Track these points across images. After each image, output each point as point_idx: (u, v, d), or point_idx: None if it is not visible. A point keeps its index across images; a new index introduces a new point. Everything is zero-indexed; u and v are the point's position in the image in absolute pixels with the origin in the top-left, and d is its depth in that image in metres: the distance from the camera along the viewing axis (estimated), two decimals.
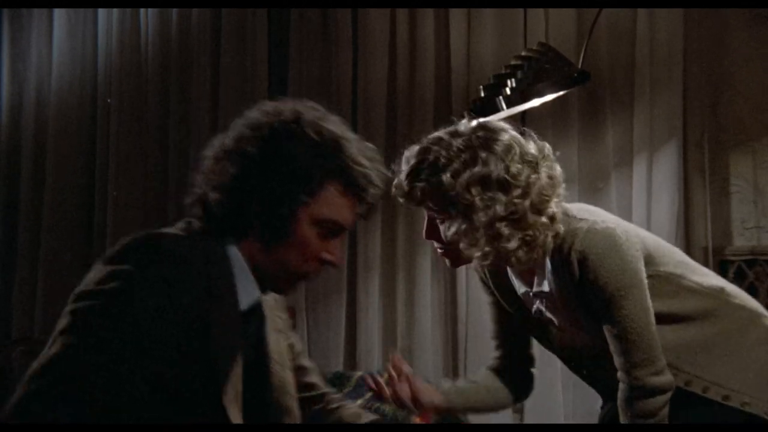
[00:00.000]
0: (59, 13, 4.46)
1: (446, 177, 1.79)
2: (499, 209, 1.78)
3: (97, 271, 1.42)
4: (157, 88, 4.27)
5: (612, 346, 1.86)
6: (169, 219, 4.19)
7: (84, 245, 4.36)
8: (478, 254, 1.81)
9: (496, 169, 1.79)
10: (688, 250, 3.36)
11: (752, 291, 3.34)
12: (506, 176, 1.79)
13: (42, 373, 1.35)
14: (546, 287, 1.92)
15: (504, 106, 2.54)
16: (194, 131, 4.19)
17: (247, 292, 1.53)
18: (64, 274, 4.26)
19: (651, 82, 3.61)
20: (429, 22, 3.91)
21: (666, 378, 1.84)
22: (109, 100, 4.32)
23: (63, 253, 4.30)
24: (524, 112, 3.13)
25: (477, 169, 1.78)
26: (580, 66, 2.69)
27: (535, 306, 1.98)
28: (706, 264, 3.33)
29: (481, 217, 1.78)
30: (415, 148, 1.87)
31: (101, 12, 4.39)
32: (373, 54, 3.97)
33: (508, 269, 2.00)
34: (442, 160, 1.80)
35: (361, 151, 1.56)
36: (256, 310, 1.58)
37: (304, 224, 1.52)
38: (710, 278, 1.99)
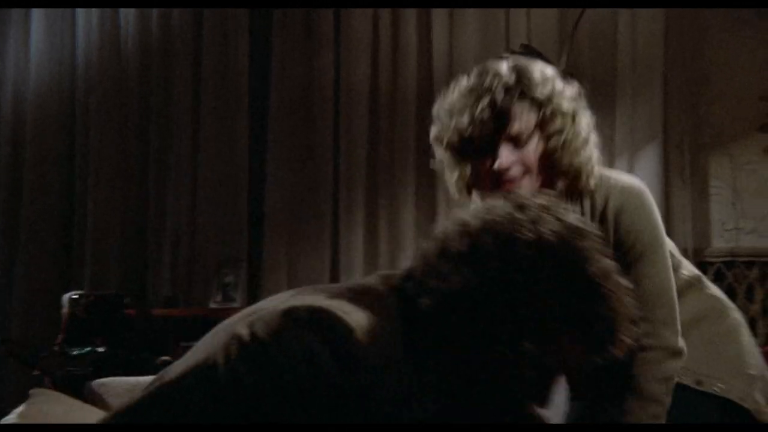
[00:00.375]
0: (37, 13, 4.42)
1: (553, 87, 1.81)
2: (589, 119, 1.86)
3: (273, 319, 1.19)
4: (138, 87, 4.24)
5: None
6: (150, 219, 4.17)
7: (63, 245, 4.32)
8: (579, 159, 1.82)
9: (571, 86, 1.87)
10: None
11: (730, 292, 3.36)
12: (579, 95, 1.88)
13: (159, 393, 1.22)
14: None
15: None
16: (175, 131, 4.16)
17: (412, 413, 1.25)
18: (42, 275, 4.23)
19: (632, 85, 3.63)
20: (411, 22, 3.91)
21: (683, 342, 1.84)
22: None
23: (41, 254, 4.26)
24: None
25: (565, 83, 1.85)
26: (562, 68, 2.70)
27: None
28: None
29: (582, 124, 1.83)
30: (486, 75, 1.81)
31: (80, 11, 4.36)
32: (355, 54, 3.97)
33: None
34: (536, 76, 1.81)
35: (620, 303, 1.23)
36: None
37: (519, 368, 1.21)
38: (690, 266, 2.02)
